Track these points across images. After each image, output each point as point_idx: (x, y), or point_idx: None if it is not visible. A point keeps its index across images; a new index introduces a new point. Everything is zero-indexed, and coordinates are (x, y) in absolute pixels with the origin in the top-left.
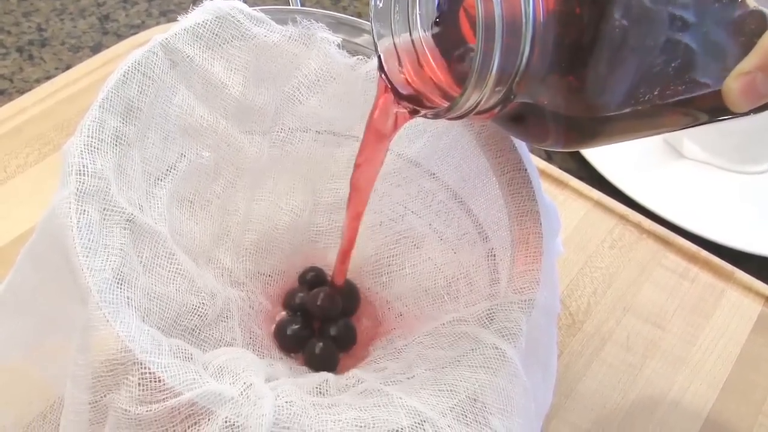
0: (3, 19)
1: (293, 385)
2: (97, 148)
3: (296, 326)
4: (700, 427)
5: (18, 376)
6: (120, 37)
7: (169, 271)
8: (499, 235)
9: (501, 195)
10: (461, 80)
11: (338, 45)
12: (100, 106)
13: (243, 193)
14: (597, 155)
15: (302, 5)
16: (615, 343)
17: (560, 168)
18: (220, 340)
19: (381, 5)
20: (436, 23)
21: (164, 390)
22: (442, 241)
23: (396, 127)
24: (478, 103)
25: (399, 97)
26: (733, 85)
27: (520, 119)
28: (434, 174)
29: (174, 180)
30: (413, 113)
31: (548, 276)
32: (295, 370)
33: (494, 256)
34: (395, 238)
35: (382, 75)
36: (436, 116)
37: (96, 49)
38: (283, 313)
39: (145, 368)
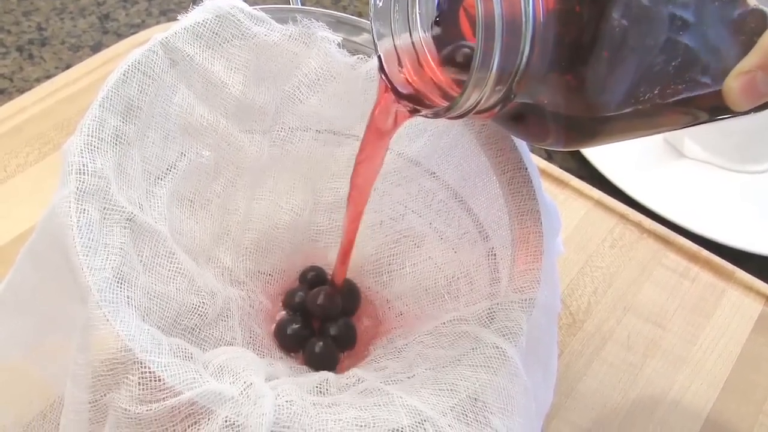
0: (3, 18)
1: (293, 385)
2: (97, 147)
3: (296, 325)
4: (701, 426)
5: (18, 375)
6: (120, 36)
7: (169, 270)
8: (500, 235)
9: (501, 194)
10: (461, 80)
11: (338, 44)
12: (100, 105)
13: (243, 192)
14: (597, 154)
15: (302, 4)
16: (615, 342)
17: (561, 167)
18: (220, 340)
19: (381, 5)
20: (436, 23)
21: (164, 389)
22: (443, 241)
23: (396, 124)
24: (478, 103)
25: (399, 96)
26: (733, 84)
27: (521, 118)
28: (434, 173)
29: (174, 179)
30: (413, 112)
31: (549, 275)
32: (296, 370)
33: (495, 255)
34: (395, 237)
35: (382, 75)
36: (435, 116)
37: (96, 48)
38: (284, 312)
39: (145, 367)
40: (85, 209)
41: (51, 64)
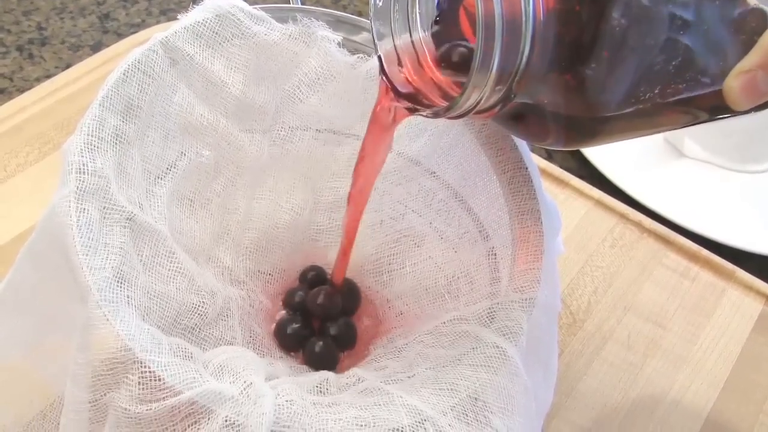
0: (3, 18)
1: (293, 384)
2: (97, 147)
3: (296, 325)
4: (701, 426)
5: (18, 374)
6: (120, 35)
7: (169, 270)
8: (500, 234)
9: (502, 193)
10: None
11: (338, 43)
12: (100, 105)
13: (243, 191)
14: (598, 154)
15: (302, 3)
16: (616, 342)
17: (561, 167)
18: (220, 339)
19: (381, 4)
20: (436, 22)
21: (164, 389)
22: (443, 240)
23: (396, 122)
24: (478, 103)
25: (399, 96)
26: (733, 84)
27: (521, 118)
28: (435, 173)
29: (174, 178)
30: (412, 112)
31: (549, 275)
32: (296, 369)
33: (495, 254)
34: (396, 237)
35: (382, 75)
36: (435, 115)
37: (96, 47)
38: (284, 311)
39: (145, 367)
40: (85, 209)
41: (51, 64)
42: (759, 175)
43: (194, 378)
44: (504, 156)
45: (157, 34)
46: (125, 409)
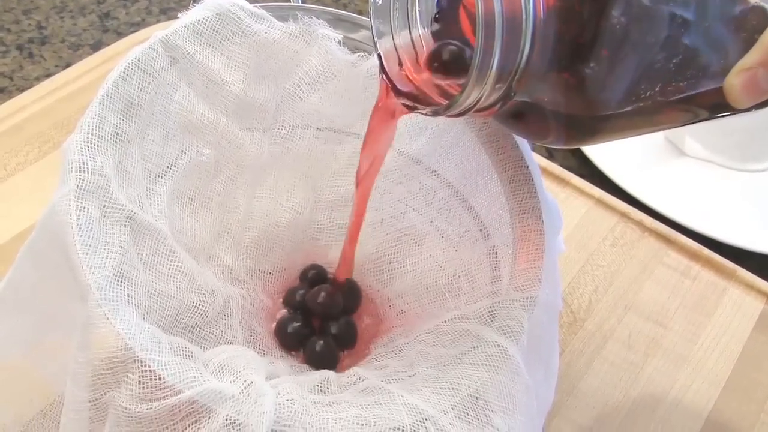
0: (3, 17)
1: (294, 383)
2: (97, 145)
3: (297, 324)
4: (702, 425)
5: (18, 373)
6: (120, 34)
7: (169, 269)
8: (501, 233)
9: (502, 192)
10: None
11: (339, 42)
12: (100, 103)
13: (243, 190)
14: (598, 153)
15: (303, 2)
16: (617, 341)
17: (561, 166)
18: (221, 338)
19: (380, 2)
20: (435, 20)
21: (164, 388)
22: (444, 239)
23: (396, 117)
24: (478, 101)
25: (399, 94)
26: (734, 81)
27: (521, 116)
28: (435, 171)
29: (174, 177)
30: (412, 110)
31: (550, 273)
32: (296, 368)
33: (496, 253)
34: (396, 236)
35: (382, 74)
36: (435, 114)
37: (96, 46)
38: (284, 310)
39: (145, 366)
40: (85, 207)
41: (51, 63)
42: (760, 173)
43: (195, 377)
44: (505, 154)
45: (158, 32)
46: (125, 408)
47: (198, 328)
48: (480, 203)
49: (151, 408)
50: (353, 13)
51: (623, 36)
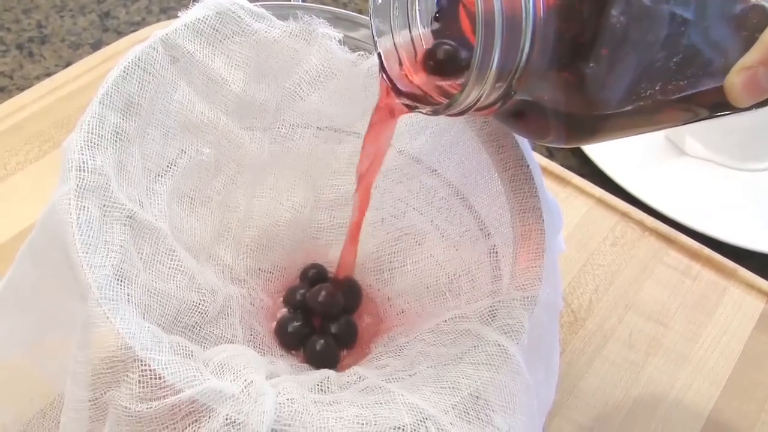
0: (3, 17)
1: (294, 383)
2: (97, 144)
3: (297, 323)
4: (703, 424)
5: (18, 373)
6: (120, 34)
7: (169, 268)
8: (501, 232)
9: (503, 191)
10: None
11: (339, 41)
12: (100, 102)
13: (244, 189)
14: (599, 152)
15: (303, 1)
16: (617, 340)
17: (562, 165)
18: (221, 338)
19: (380, 1)
20: (435, 19)
21: (164, 387)
22: (444, 238)
23: (396, 116)
24: (478, 100)
25: (399, 94)
26: (735, 80)
27: (521, 115)
28: (436, 170)
29: (174, 176)
30: (412, 109)
31: (550, 273)
32: (296, 368)
33: (496, 252)
34: (397, 235)
35: (382, 73)
36: (435, 113)
37: (96, 46)
38: (284, 310)
39: (145, 365)
40: (85, 206)
41: (51, 62)
42: (760, 173)
43: (195, 376)
44: (505, 154)
45: (158, 31)
46: (125, 407)
47: (198, 328)
48: (480, 202)
49: (151, 407)
50: (353, 11)
51: (623, 35)
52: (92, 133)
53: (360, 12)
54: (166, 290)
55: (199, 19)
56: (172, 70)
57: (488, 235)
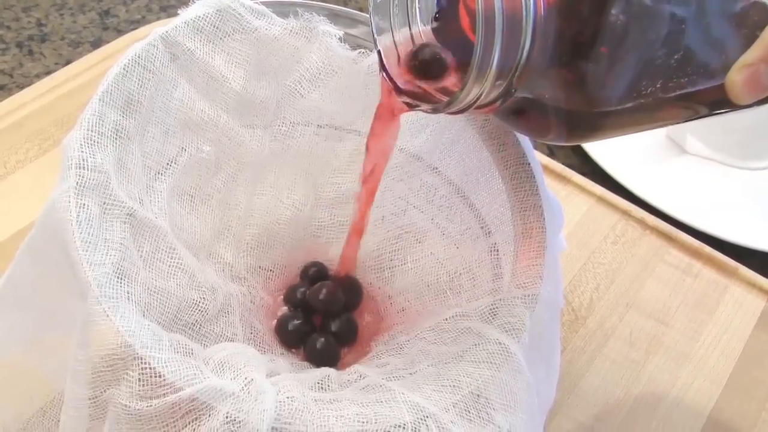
0: (3, 15)
1: (295, 381)
2: (97, 142)
3: (297, 321)
4: (703, 423)
5: (18, 371)
6: (120, 32)
7: (169, 266)
8: (502, 230)
9: (504, 189)
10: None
11: (340, 38)
12: (100, 100)
13: (244, 187)
14: (600, 151)
15: None
16: (618, 339)
17: (563, 163)
18: (221, 336)
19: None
20: (435, 17)
21: (165, 385)
22: (445, 236)
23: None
24: (479, 98)
25: (399, 92)
26: (736, 78)
27: (522, 113)
28: (437, 168)
29: (174, 174)
30: (413, 107)
31: (551, 271)
32: (297, 366)
33: (497, 250)
34: (397, 233)
35: (382, 71)
36: (435, 111)
37: (96, 44)
38: (285, 308)
39: (145, 363)
40: (84, 204)
41: (51, 60)
42: (761, 171)
43: (195, 374)
44: (506, 152)
45: (158, 28)
46: (125, 405)
47: (198, 326)
48: (481, 200)
49: (151, 405)
50: (354, 9)
51: (623, 33)
52: (92, 131)
53: (360, 9)
54: (166, 288)
55: (199, 17)
56: (172, 68)
57: (489, 233)
